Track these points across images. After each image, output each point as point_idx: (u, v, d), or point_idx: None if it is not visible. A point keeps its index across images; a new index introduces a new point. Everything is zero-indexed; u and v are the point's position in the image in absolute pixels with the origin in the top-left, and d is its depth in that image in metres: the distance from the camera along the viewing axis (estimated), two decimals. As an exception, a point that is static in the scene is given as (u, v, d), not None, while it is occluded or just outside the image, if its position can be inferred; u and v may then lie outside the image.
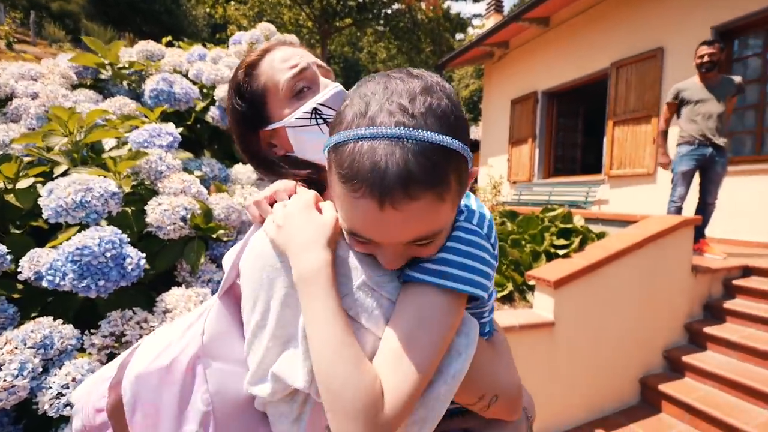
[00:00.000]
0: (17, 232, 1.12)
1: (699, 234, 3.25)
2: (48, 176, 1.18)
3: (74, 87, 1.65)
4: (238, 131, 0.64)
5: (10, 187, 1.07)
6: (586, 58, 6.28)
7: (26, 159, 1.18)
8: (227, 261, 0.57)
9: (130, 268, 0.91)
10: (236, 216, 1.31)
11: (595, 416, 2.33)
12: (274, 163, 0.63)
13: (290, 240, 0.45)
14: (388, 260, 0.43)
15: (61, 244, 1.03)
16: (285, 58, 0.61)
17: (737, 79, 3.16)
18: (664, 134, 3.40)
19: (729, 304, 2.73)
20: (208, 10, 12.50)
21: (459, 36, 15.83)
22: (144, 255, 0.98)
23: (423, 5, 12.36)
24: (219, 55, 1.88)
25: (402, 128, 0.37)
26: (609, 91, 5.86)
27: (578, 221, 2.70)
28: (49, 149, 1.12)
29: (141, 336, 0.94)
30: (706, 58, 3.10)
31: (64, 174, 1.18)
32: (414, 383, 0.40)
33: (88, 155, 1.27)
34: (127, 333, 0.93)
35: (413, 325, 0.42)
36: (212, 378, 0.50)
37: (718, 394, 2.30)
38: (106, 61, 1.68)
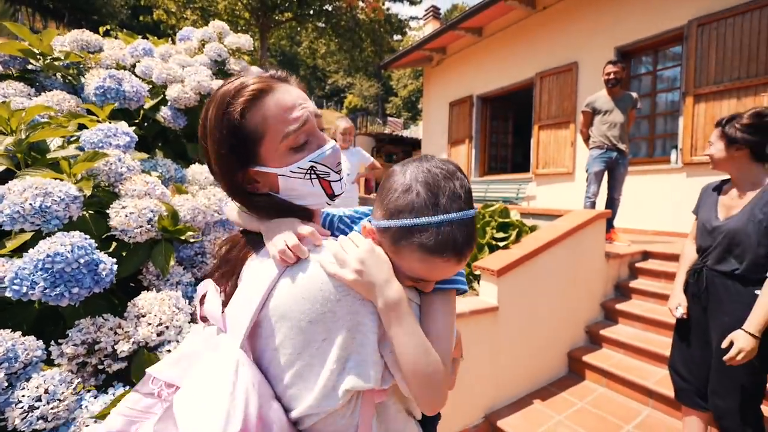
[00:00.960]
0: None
1: (609, 225, 3.77)
2: (-18, 179, 1.08)
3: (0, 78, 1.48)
4: (223, 163, 0.62)
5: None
6: (514, 68, 6.91)
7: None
8: (241, 311, 0.56)
9: (104, 273, 0.90)
10: (202, 217, 1.31)
11: (533, 388, 2.64)
12: (252, 196, 0.64)
13: (374, 278, 0.55)
14: (431, 286, 0.62)
15: (10, 252, 0.97)
16: (288, 107, 0.60)
17: (634, 94, 3.78)
18: (586, 137, 3.94)
19: (634, 284, 3.22)
20: None
21: (397, 37, 16.26)
22: (115, 260, 0.96)
23: (363, 5, 12.47)
24: (168, 51, 1.80)
25: (465, 208, 0.56)
26: (534, 98, 6.53)
27: (514, 216, 3.03)
28: (-10, 150, 1.03)
29: (116, 342, 0.93)
30: (611, 76, 3.66)
31: (5, 177, 1.08)
32: (451, 350, 0.63)
33: (30, 155, 1.18)
34: (101, 340, 0.91)
35: (442, 318, 0.62)
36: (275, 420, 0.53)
37: (628, 360, 2.71)
38: (37, 51, 1.53)
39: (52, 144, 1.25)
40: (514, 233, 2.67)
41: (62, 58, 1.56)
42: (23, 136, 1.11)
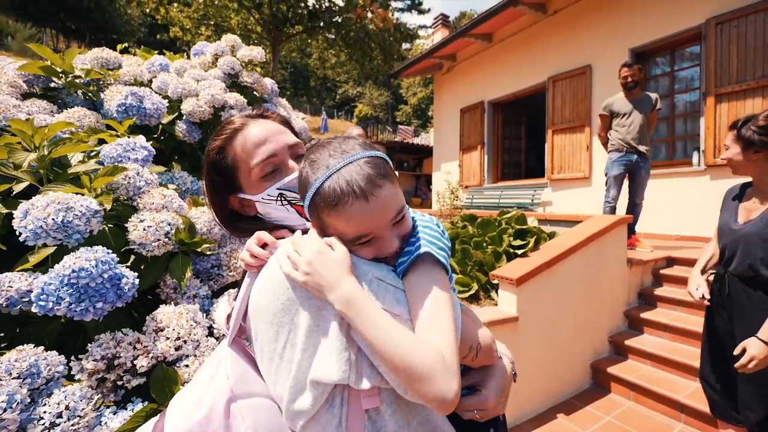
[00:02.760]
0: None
1: (630, 231, 3.65)
2: (8, 195, 1.10)
3: (24, 96, 1.53)
4: (211, 196, 0.76)
5: (-32, 208, 0.99)
6: (526, 73, 6.86)
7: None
8: (225, 312, 0.66)
9: (126, 288, 0.90)
10: (218, 229, 1.31)
11: (555, 401, 2.54)
12: (242, 219, 0.76)
13: (322, 279, 0.53)
14: (389, 244, 0.57)
15: (29, 266, 0.98)
16: (257, 142, 0.70)
17: (654, 95, 3.68)
18: (604, 141, 3.85)
19: (659, 291, 3.09)
20: (148, 11, 11.68)
21: (406, 45, 16.41)
22: (136, 274, 0.96)
23: (371, 16, 12.62)
24: (183, 66, 1.84)
25: (347, 156, 0.55)
26: (547, 102, 6.46)
27: (532, 222, 2.96)
28: (17, 166, 1.05)
29: (135, 357, 0.92)
30: (628, 79, 3.59)
31: (28, 193, 1.11)
32: (454, 334, 0.53)
33: (53, 170, 1.20)
34: (120, 355, 0.91)
35: (429, 297, 0.55)
36: (248, 415, 0.55)
37: (656, 372, 2.59)
38: (59, 69, 1.58)
39: (73, 159, 1.27)
40: (532, 240, 2.60)
41: (83, 75, 1.60)
42: (46, 152, 1.13)
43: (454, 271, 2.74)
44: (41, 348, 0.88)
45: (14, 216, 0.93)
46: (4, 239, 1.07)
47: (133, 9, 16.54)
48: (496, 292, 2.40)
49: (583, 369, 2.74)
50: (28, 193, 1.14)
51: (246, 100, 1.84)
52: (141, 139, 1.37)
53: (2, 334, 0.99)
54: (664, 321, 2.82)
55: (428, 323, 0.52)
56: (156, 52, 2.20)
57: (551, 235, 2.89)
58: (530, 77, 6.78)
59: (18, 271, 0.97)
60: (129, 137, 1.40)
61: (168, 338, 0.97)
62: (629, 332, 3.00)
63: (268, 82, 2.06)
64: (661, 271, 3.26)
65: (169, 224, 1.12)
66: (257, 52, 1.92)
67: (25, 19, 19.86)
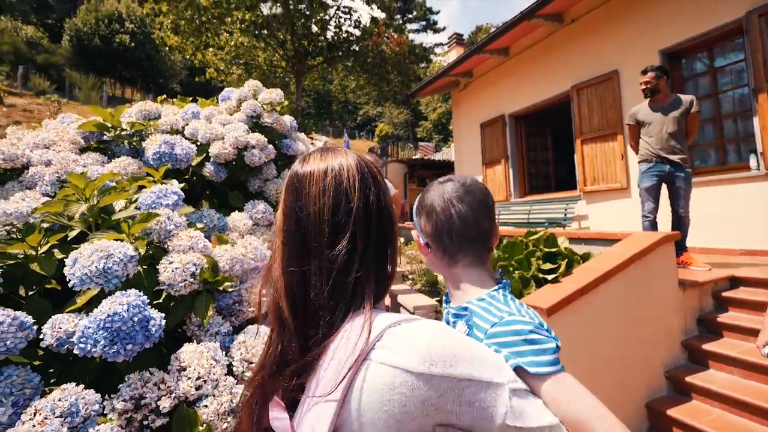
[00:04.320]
0: (35, 292, 1.17)
1: (680, 247, 3.31)
2: (64, 240, 1.25)
3: (81, 150, 1.73)
4: None
5: (32, 254, 1.12)
6: (547, 83, 6.75)
7: (44, 225, 1.24)
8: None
9: (153, 329, 0.98)
10: (239, 266, 1.39)
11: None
12: None
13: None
14: None
15: (80, 308, 1.09)
16: None
17: (687, 97, 3.41)
18: (637, 151, 3.66)
19: (723, 318, 2.69)
20: (188, 56, 12.80)
21: (423, 64, 16.77)
22: (164, 315, 1.04)
23: (387, 43, 13.10)
24: (212, 112, 2.00)
25: None
26: (573, 111, 6.29)
27: (562, 243, 2.82)
28: (70, 218, 1.19)
29: (159, 398, 0.98)
30: (643, 86, 3.46)
31: (80, 237, 1.24)
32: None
33: (100, 217, 1.34)
34: (146, 396, 0.97)
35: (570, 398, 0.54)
36: None
37: (729, 417, 2.18)
38: (109, 125, 1.78)
39: (117, 206, 1.41)
40: (563, 264, 2.47)
41: (127, 128, 1.79)
42: (94, 202, 1.27)
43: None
44: (81, 387, 0.96)
45: (65, 263, 1.05)
46: (60, 280, 1.21)
47: (176, 55, 18.12)
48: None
49: (636, 410, 2.44)
50: (80, 237, 1.28)
51: (266, 139, 1.96)
52: (174, 184, 1.50)
53: (51, 370, 1.10)
54: (734, 354, 2.42)
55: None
56: (189, 99, 2.42)
57: (585, 257, 2.73)
58: (552, 87, 6.66)
59: (67, 312, 1.08)
60: (163, 182, 1.54)
61: (189, 378, 1.03)
62: (691, 366, 2.61)
63: (287, 119, 2.19)
64: (724, 294, 2.86)
65: (195, 265, 1.21)
66: (276, 95, 2.06)
67: (90, 72, 22.46)
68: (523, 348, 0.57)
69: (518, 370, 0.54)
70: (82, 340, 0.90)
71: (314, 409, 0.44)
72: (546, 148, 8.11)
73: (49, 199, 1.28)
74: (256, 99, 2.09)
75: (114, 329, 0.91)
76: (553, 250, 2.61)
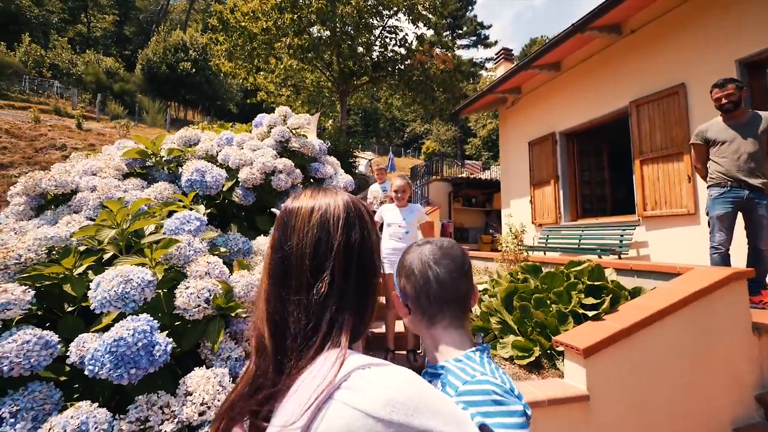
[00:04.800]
0: (71, 311, 1.27)
1: (759, 285, 2.89)
2: (99, 261, 1.36)
3: (125, 176, 1.90)
4: None
5: (68, 275, 1.23)
6: (602, 98, 6.31)
7: (82, 248, 1.37)
8: None
9: (157, 355, 1.01)
10: (255, 292, 1.41)
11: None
12: None
13: None
14: None
15: (103, 327, 1.16)
16: None
17: (766, 114, 3.01)
18: (703, 174, 3.28)
19: None
20: (241, 81, 13.93)
21: (471, 81, 16.59)
22: (171, 340, 1.08)
23: (432, 61, 13.14)
24: (243, 138, 2.12)
25: None
26: (631, 129, 5.80)
27: (610, 275, 2.54)
28: (100, 242, 1.29)
29: (163, 422, 1.01)
30: (723, 101, 3.04)
31: (112, 260, 1.35)
32: None
33: (131, 240, 1.45)
34: (150, 419, 1.00)
35: None
36: None
37: None
38: (149, 152, 1.94)
39: (147, 230, 1.52)
40: (607, 299, 2.23)
41: (166, 155, 1.94)
42: (125, 227, 1.37)
43: (513, 332, 2.46)
44: (95, 406, 1.02)
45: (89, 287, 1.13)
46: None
47: (231, 80, 19.83)
48: (563, 360, 2.08)
49: None
50: (113, 260, 1.39)
51: (293, 163, 2.02)
52: (200, 209, 1.59)
53: (76, 386, 1.18)
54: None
55: None
56: (229, 126, 2.57)
57: (635, 292, 2.43)
58: (608, 103, 6.22)
59: (92, 331, 1.16)
60: (191, 207, 1.63)
61: (194, 403, 1.05)
62: (767, 425, 2.26)
63: (316, 143, 2.24)
64: (811, 342, 2.43)
65: (209, 291, 1.24)
66: (304, 119, 2.14)
67: (157, 97, 25.39)
68: (492, 408, 0.58)
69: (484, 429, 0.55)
70: (91, 362, 0.95)
71: None
72: (601, 168, 7.53)
73: (90, 223, 1.41)
74: (286, 124, 2.17)
75: (119, 353, 0.95)
76: (598, 283, 2.35)
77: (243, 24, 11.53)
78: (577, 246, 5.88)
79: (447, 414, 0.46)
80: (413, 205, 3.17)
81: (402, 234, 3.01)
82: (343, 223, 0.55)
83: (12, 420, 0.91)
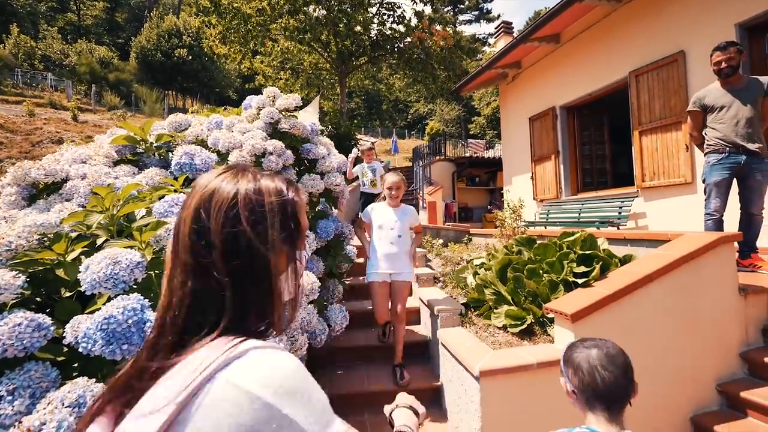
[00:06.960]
0: (68, 296, 1.31)
1: (749, 248, 2.97)
2: (92, 246, 1.38)
3: (116, 163, 1.91)
4: None
5: (61, 260, 1.26)
6: (601, 70, 6.17)
7: (74, 234, 1.39)
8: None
9: (149, 331, 1.04)
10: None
11: (641, 461, 2.12)
12: None
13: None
14: None
15: (98, 308, 1.20)
16: None
17: (765, 78, 2.96)
18: (698, 142, 3.24)
19: None
20: (236, 64, 13.68)
21: (472, 57, 16.15)
22: (161, 318, 1.11)
23: (431, 38, 12.77)
24: (233, 122, 2.10)
25: None
26: (630, 100, 5.69)
27: (602, 244, 2.56)
28: (89, 227, 1.31)
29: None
30: (723, 65, 2.97)
31: (103, 245, 1.37)
32: None
33: (123, 225, 1.47)
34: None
35: None
36: None
37: None
38: (139, 138, 1.94)
39: (139, 214, 1.54)
40: (597, 267, 2.25)
41: (155, 141, 1.94)
42: (114, 212, 1.39)
43: (507, 302, 2.50)
44: (92, 381, 1.06)
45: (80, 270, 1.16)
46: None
47: (229, 65, 19.44)
48: (554, 327, 2.12)
49: (679, 424, 2.22)
50: (105, 244, 1.41)
51: (284, 144, 2.01)
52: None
53: (76, 365, 1.23)
54: (805, 368, 2.15)
55: None
56: (221, 109, 2.56)
57: (625, 260, 2.46)
58: (607, 75, 6.08)
59: (86, 312, 1.20)
60: (182, 191, 1.64)
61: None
62: (750, 380, 2.35)
63: (307, 123, 2.23)
64: (798, 302, 2.51)
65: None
66: (293, 100, 2.11)
67: (154, 85, 25.00)
68: None
69: None
70: (84, 339, 0.99)
71: (135, 422, 0.42)
72: (602, 142, 7.42)
73: (80, 209, 1.43)
74: (274, 105, 2.15)
75: (110, 330, 0.98)
76: (589, 252, 2.37)
77: (236, 5, 11.23)
78: (576, 220, 5.88)
79: (318, 413, 0.45)
80: (406, 206, 2.85)
81: (395, 238, 2.69)
82: (225, 212, 0.50)
83: (9, 398, 0.96)
